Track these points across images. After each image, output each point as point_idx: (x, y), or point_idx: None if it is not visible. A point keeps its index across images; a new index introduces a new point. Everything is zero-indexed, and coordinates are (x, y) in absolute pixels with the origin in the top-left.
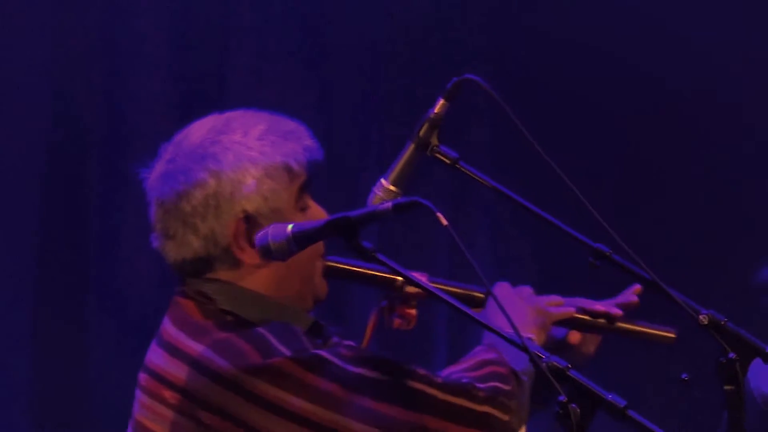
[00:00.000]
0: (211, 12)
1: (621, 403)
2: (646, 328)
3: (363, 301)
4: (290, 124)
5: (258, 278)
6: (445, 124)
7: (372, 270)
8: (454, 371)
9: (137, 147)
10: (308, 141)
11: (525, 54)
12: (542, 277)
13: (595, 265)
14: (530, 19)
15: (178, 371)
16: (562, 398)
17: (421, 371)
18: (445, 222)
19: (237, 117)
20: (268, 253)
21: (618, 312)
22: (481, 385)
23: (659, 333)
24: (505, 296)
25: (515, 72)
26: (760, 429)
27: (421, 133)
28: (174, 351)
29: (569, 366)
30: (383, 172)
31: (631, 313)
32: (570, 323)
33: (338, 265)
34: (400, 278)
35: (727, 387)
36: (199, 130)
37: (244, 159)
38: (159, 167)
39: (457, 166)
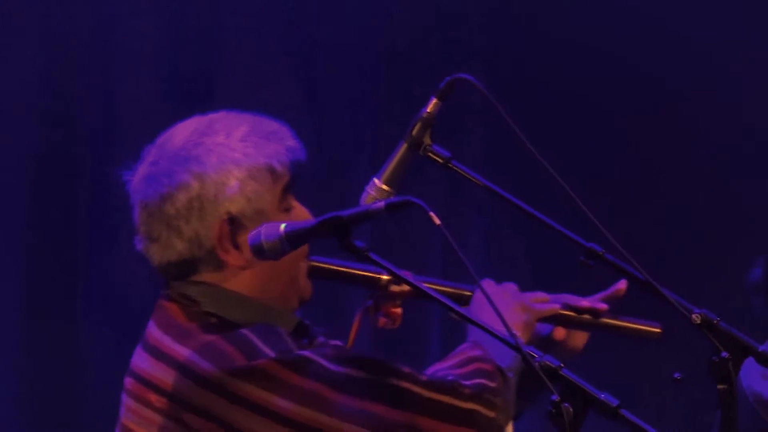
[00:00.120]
0: (205, 11)
1: (613, 402)
2: (631, 323)
3: (357, 300)
4: (273, 125)
5: (242, 280)
6: (439, 123)
7: (357, 269)
8: (439, 369)
9: (129, 147)
10: (291, 141)
11: (525, 54)
12: (535, 276)
13: (587, 265)
14: (530, 19)
15: (164, 375)
16: (555, 397)
17: (406, 369)
18: (437, 221)
19: (220, 119)
20: (260, 253)
21: (603, 307)
22: (467, 383)
23: (645, 328)
24: (489, 293)
25: (515, 72)
26: (753, 427)
27: (414, 132)
28: (159, 355)
29: (562, 365)
30: (376, 171)
31: (618, 309)
32: (555, 319)
33: (323, 265)
34: (385, 277)
35: (720, 386)
36: (181, 132)
37: (227, 161)
38: (142, 170)
39: (450, 165)
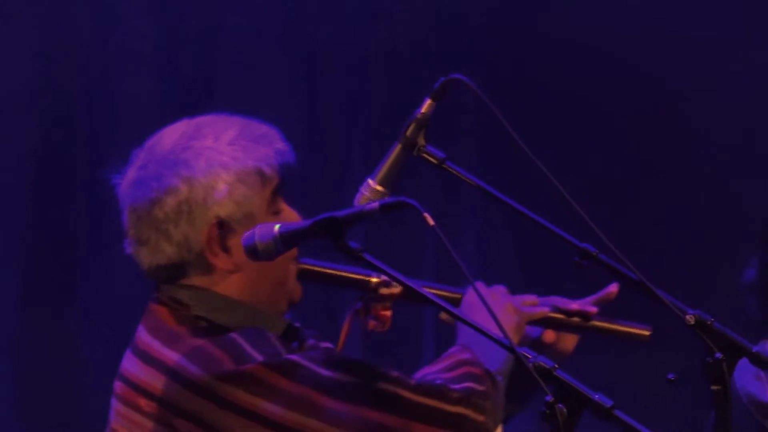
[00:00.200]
0: (205, 12)
1: (607, 403)
2: (621, 326)
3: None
4: (262, 128)
5: (231, 283)
6: (433, 124)
7: (346, 272)
8: (428, 372)
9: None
10: (280, 144)
11: (525, 54)
12: (529, 276)
13: (581, 265)
14: (530, 19)
15: (153, 379)
16: (549, 398)
17: (394, 373)
18: (431, 222)
19: (208, 122)
20: (254, 254)
21: (592, 310)
22: (455, 386)
23: (634, 331)
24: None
25: (515, 72)
26: (746, 428)
27: (408, 133)
28: (149, 359)
29: (556, 366)
30: (370, 171)
31: (612, 309)
32: (545, 322)
33: (312, 268)
34: (374, 280)
35: (713, 387)
36: (170, 135)
37: (215, 164)
38: (131, 173)
39: (444, 166)
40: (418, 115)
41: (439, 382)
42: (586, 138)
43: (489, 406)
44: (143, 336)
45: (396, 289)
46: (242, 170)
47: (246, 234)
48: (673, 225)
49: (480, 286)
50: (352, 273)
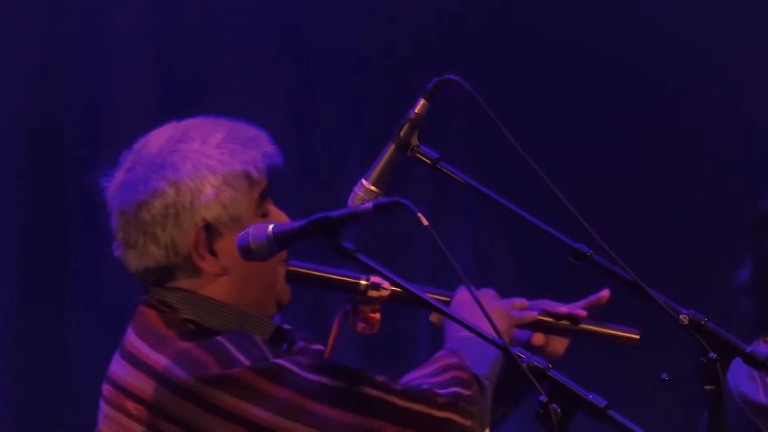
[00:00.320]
0: (201, 12)
1: (601, 403)
2: (610, 329)
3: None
4: (250, 131)
5: (219, 286)
6: (427, 124)
7: (335, 274)
8: (415, 377)
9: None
10: (268, 147)
11: (525, 54)
12: (523, 276)
13: (574, 265)
14: (530, 19)
15: (141, 383)
16: (543, 398)
17: (381, 378)
18: (425, 222)
19: (196, 125)
20: (248, 254)
21: (581, 313)
22: (442, 391)
23: (624, 334)
24: (467, 299)
25: (515, 72)
26: (740, 428)
27: (402, 133)
28: (136, 362)
29: (550, 366)
30: (364, 172)
31: (598, 315)
32: (534, 325)
33: (301, 270)
34: (363, 282)
35: (707, 387)
36: (157, 138)
37: (202, 168)
38: (119, 176)
39: (438, 166)
40: (412, 116)
41: (425, 386)
42: (585, 138)
43: (476, 411)
44: (131, 339)
45: (385, 292)
46: (229, 173)
47: (240, 234)
48: (673, 225)
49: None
50: (341, 275)
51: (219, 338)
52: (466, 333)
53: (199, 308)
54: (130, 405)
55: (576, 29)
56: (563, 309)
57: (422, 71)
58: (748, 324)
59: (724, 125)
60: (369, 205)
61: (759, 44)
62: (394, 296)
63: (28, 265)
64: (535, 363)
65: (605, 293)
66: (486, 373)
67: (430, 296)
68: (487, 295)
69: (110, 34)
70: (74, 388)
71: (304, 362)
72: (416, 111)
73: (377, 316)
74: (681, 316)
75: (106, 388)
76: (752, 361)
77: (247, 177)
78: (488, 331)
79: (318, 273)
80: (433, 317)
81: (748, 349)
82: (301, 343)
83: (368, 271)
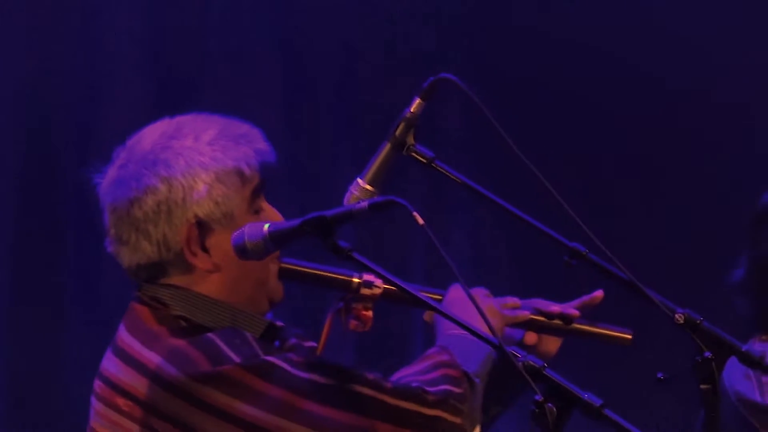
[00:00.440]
0: (194, 10)
1: (597, 402)
2: (602, 329)
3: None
4: (242, 128)
5: (211, 283)
6: (422, 123)
7: (327, 272)
8: (405, 375)
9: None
10: (261, 144)
11: (525, 54)
12: (518, 275)
13: (570, 264)
14: (530, 19)
15: (131, 379)
16: (539, 397)
17: (371, 376)
18: (421, 221)
19: (188, 122)
20: (244, 253)
21: (574, 313)
22: (432, 389)
23: (616, 334)
24: (460, 297)
25: (515, 72)
26: (735, 427)
27: (397, 132)
28: (128, 359)
29: (545, 365)
30: (359, 171)
31: (592, 315)
32: (526, 324)
33: (293, 267)
34: (356, 280)
35: (703, 386)
36: (150, 135)
37: (195, 164)
38: (111, 173)
39: (433, 165)
40: (407, 115)
41: (415, 384)
42: (585, 138)
43: (466, 409)
44: (123, 335)
45: (377, 290)
46: (221, 170)
47: (235, 233)
48: (673, 225)
49: (460, 288)
50: (334, 273)
51: (210, 335)
52: (458, 330)
53: (191, 305)
54: (121, 401)
55: (576, 29)
56: (555, 308)
57: (422, 71)
58: (744, 323)
59: (724, 125)
60: (364, 204)
61: (759, 44)
62: (386, 294)
63: (23, 264)
64: (531, 362)
65: (599, 294)
66: (477, 371)
67: (423, 294)
68: (479, 293)
69: (107, 33)
70: (70, 387)
71: (294, 359)
72: (412, 110)
73: (369, 314)
74: (676, 316)
75: (97, 385)
76: (747, 360)
77: (240, 174)
78: (481, 328)
79: (310, 270)
80: (427, 316)
81: (744, 348)
82: (293, 340)
83: (363, 269)
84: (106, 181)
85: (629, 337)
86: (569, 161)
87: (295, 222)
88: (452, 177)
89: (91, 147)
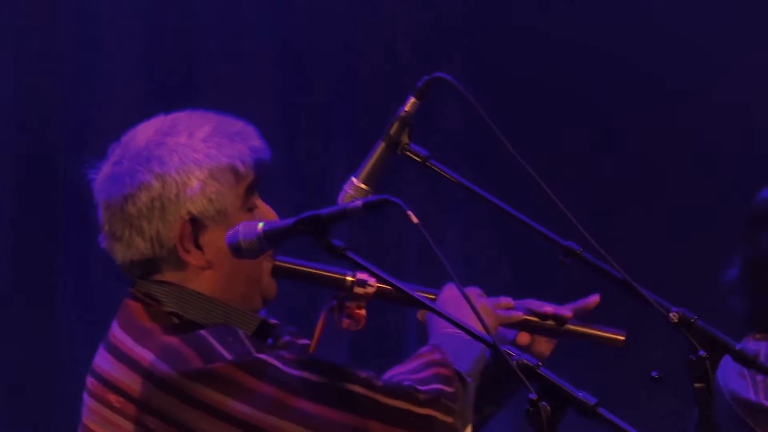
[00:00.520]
0: (190, 10)
1: (591, 400)
2: (596, 330)
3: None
4: (237, 125)
5: (204, 280)
6: (420, 123)
7: (321, 270)
8: (397, 373)
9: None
10: (255, 141)
11: (525, 54)
12: (513, 274)
13: (564, 263)
14: (530, 19)
15: (124, 376)
16: (533, 396)
17: (363, 374)
18: (415, 220)
19: (183, 118)
20: (238, 251)
21: (567, 314)
22: (423, 388)
23: (609, 336)
24: (453, 295)
25: (515, 72)
26: (730, 426)
27: (392, 131)
28: (120, 356)
29: (539, 364)
30: (354, 170)
31: (585, 316)
32: (519, 325)
33: (287, 265)
34: (349, 278)
35: (697, 384)
36: (145, 131)
37: (188, 161)
38: (105, 169)
39: (428, 164)
40: (402, 114)
41: (407, 383)
42: (585, 138)
43: (457, 408)
44: (116, 332)
45: (371, 289)
46: (215, 167)
47: (230, 232)
48: (672, 224)
49: (453, 287)
50: (327, 271)
51: (202, 332)
52: (451, 329)
53: (184, 302)
54: (113, 398)
55: (576, 29)
56: (549, 309)
57: (422, 71)
58: (738, 321)
59: (724, 125)
60: (359, 202)
61: (759, 44)
62: (379, 293)
63: (22, 264)
64: (525, 361)
65: (595, 298)
66: (469, 370)
67: (417, 293)
68: (473, 293)
69: (106, 33)
70: (67, 386)
71: (286, 357)
72: (406, 109)
73: (363, 312)
74: (671, 314)
75: (90, 381)
76: (742, 358)
77: (234, 171)
78: (475, 327)
79: (304, 268)
80: (420, 315)
81: (738, 347)
82: (286, 338)
83: (357, 268)
84: (101, 177)
85: (622, 338)
86: (569, 161)
87: (290, 221)
88: (446, 176)
89: (90, 147)
